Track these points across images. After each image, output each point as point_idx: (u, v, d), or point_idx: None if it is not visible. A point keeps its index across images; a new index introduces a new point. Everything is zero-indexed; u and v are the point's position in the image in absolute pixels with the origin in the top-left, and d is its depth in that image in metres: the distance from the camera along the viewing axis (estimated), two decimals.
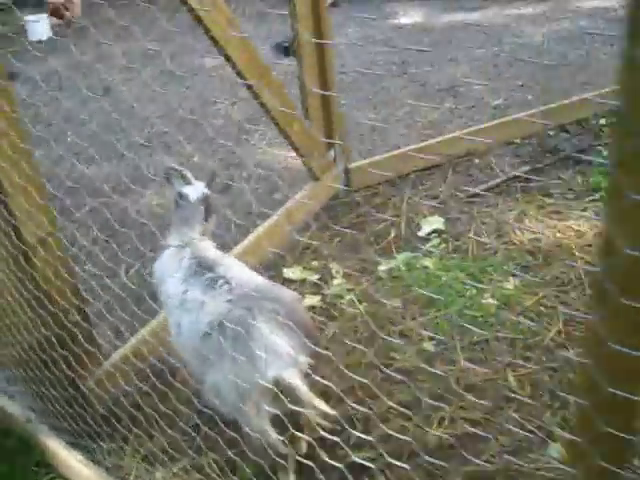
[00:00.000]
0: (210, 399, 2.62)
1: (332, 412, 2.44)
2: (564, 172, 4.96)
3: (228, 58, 3.73)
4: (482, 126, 5.36)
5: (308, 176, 4.83)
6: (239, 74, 3.85)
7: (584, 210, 4.54)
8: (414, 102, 6.22)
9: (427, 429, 3.11)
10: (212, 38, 3.57)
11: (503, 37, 7.74)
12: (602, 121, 5.54)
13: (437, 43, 7.89)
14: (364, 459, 2.89)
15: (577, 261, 4.03)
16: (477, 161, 5.25)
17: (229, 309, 2.52)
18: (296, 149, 4.47)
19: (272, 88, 4.07)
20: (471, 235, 4.37)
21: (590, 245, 4.16)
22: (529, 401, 3.18)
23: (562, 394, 3.20)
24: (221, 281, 2.65)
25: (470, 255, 4.22)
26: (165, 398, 3.24)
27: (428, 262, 4.21)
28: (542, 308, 3.76)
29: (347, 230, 4.60)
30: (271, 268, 4.30)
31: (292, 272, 4.27)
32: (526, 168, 4.98)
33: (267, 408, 2.51)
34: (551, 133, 5.47)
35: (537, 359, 3.44)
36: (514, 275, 4.01)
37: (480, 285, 3.94)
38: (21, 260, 3.01)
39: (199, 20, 3.47)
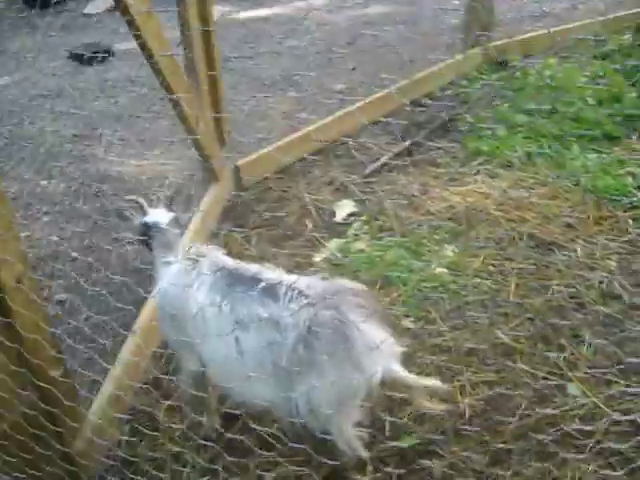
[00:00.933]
0: (300, 413, 2.39)
1: (445, 386, 2.38)
2: (440, 142, 5.19)
3: (150, 54, 3.42)
4: (349, 109, 5.42)
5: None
6: (158, 71, 3.54)
7: (477, 174, 4.79)
8: (258, 95, 6.13)
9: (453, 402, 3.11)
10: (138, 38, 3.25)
11: (308, 27, 7.88)
12: (448, 92, 5.88)
13: (245, 38, 7.82)
14: (413, 445, 2.87)
15: (499, 220, 4.25)
16: (352, 143, 5.30)
17: (314, 313, 2.32)
18: (202, 150, 4.21)
19: (181, 86, 3.80)
20: (389, 213, 4.42)
21: (502, 204, 4.41)
22: (530, 353, 3.32)
23: (554, 339, 3.39)
24: (283, 288, 2.42)
25: (397, 231, 4.26)
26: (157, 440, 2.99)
27: (361, 245, 4.19)
28: (490, 267, 3.91)
29: (260, 229, 4.46)
30: None
31: None
32: (407, 143, 5.14)
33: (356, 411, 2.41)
34: (408, 109, 5.69)
35: (512, 313, 3.58)
36: (448, 243, 4.13)
37: (424, 258, 4.01)
38: None
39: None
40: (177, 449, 3.06)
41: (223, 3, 8.57)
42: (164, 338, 2.94)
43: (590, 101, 5.33)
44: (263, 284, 2.45)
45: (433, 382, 2.44)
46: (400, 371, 2.36)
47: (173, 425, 3.10)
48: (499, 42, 6.24)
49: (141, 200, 2.94)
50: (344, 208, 4.52)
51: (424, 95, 5.82)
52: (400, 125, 5.46)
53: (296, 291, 2.40)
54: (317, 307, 2.33)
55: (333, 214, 4.51)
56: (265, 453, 2.79)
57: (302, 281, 2.48)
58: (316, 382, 2.30)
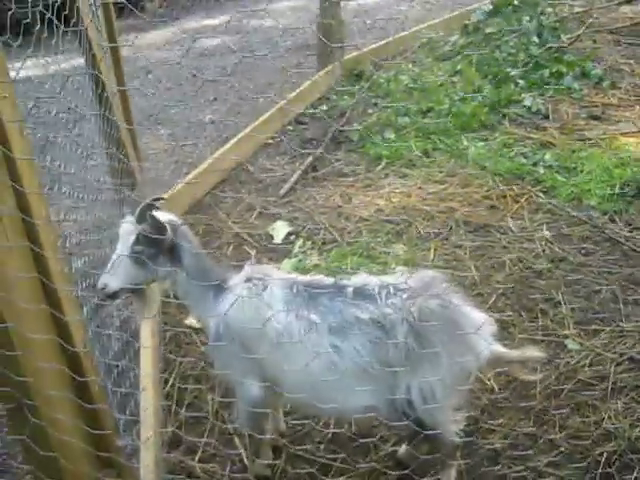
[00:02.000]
0: (414, 405, 2.42)
1: (542, 354, 2.55)
2: (338, 154, 5.38)
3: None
4: (240, 136, 5.44)
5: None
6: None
7: (386, 177, 5.04)
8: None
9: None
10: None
11: (146, 67, 7.74)
12: (324, 107, 6.09)
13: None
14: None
15: (431, 213, 4.52)
16: (251, 168, 5.34)
17: (421, 304, 2.37)
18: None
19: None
20: (325, 225, 4.52)
21: (425, 199, 4.68)
22: (520, 322, 3.60)
23: (534, 306, 3.69)
24: (375, 288, 2.45)
25: (342, 241, 4.37)
26: None
27: (314, 260, 4.25)
28: (445, 256, 4.16)
29: None
30: (170, 321, 3.85)
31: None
32: (310, 159, 5.26)
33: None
34: (291, 128, 5.84)
35: (485, 292, 3.83)
36: (394, 243, 4.32)
37: (380, 260, 4.16)
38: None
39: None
40: None
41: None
42: (220, 370, 2.78)
43: (456, 97, 5.80)
44: (351, 288, 2.46)
45: (531, 352, 2.59)
46: (500, 348, 2.50)
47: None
48: (352, 55, 6.57)
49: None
50: (280, 229, 4.55)
51: (300, 114, 6.00)
52: (288, 145, 5.57)
53: (391, 288, 2.43)
54: (422, 298, 2.38)
55: (270, 237, 4.51)
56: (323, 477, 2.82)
57: (387, 279, 2.51)
58: (432, 371, 2.36)
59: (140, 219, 2.44)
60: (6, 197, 1.83)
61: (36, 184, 1.93)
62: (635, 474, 2.81)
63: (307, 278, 2.61)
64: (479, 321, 2.43)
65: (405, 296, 2.40)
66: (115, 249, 2.52)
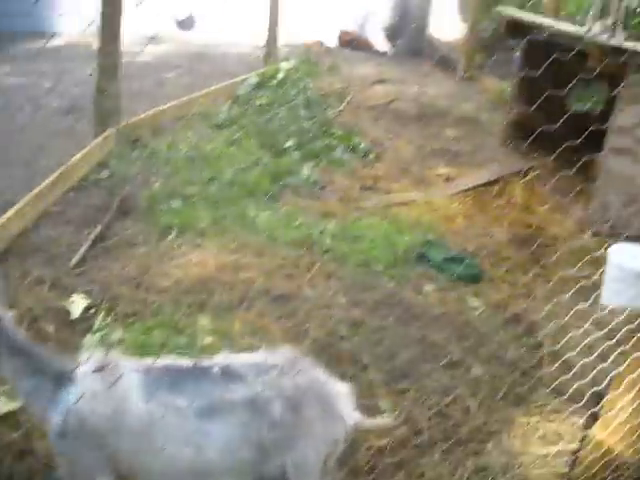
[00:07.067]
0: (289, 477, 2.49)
1: (394, 421, 2.75)
2: (127, 223, 5.27)
3: None
4: (19, 206, 5.09)
5: None
6: None
7: (179, 247, 5.02)
8: None
9: None
10: None
11: None
12: (105, 174, 5.95)
13: None
14: None
15: (230, 283, 4.60)
16: (35, 238, 5.06)
17: (293, 380, 2.46)
18: None
19: None
20: (124, 297, 4.40)
21: (222, 269, 4.75)
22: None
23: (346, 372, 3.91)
24: (241, 367, 2.49)
25: (145, 313, 4.28)
26: None
27: (118, 335, 4.08)
28: (250, 325, 4.24)
29: None
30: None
31: None
32: (99, 228, 5.09)
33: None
34: (73, 195, 5.62)
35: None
36: (199, 313, 4.32)
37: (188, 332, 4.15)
38: None
39: None
40: None
41: None
42: (66, 468, 2.60)
43: (237, 166, 5.99)
44: (217, 369, 2.47)
45: (384, 420, 2.77)
46: (359, 416, 2.66)
47: None
48: (130, 121, 6.51)
49: None
50: (77, 303, 4.32)
51: (81, 180, 5.82)
52: (76, 212, 5.38)
53: (259, 367, 2.49)
54: (293, 375, 2.47)
55: (67, 313, 4.29)
56: None
57: (247, 358, 2.57)
58: (307, 444, 2.45)
59: None
60: None
61: None
62: None
63: (164, 362, 2.58)
64: (343, 392, 2.59)
65: (275, 373, 2.47)
66: None
